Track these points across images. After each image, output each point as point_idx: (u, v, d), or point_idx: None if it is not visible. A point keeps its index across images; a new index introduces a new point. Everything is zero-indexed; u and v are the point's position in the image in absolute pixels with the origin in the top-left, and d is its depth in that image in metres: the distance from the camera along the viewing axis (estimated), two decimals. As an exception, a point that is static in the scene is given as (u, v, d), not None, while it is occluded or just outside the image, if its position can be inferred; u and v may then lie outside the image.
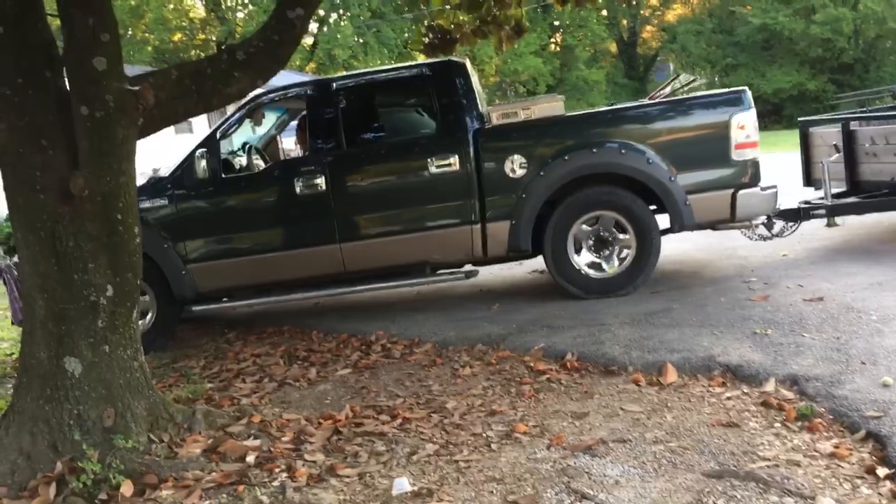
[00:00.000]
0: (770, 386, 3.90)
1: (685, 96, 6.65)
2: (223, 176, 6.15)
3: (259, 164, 6.52)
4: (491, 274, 7.21)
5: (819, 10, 32.45)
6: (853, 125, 7.23)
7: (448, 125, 6.07)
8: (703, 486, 2.96)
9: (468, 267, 6.30)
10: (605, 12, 37.29)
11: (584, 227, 6.02)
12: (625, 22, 39.48)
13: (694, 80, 6.81)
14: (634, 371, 4.35)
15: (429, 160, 5.98)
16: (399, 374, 4.78)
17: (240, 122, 6.33)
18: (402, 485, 3.19)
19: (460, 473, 3.29)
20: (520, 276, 7.34)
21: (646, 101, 6.72)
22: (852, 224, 7.56)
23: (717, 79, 37.33)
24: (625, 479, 3.09)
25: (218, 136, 6.19)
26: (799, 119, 8.34)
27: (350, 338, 5.76)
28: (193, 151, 6.06)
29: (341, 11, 33.55)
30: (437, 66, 6.15)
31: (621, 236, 6.00)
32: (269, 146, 7.19)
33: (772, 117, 32.44)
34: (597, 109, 7.06)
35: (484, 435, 3.70)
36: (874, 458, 3.06)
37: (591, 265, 6.05)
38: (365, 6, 33.25)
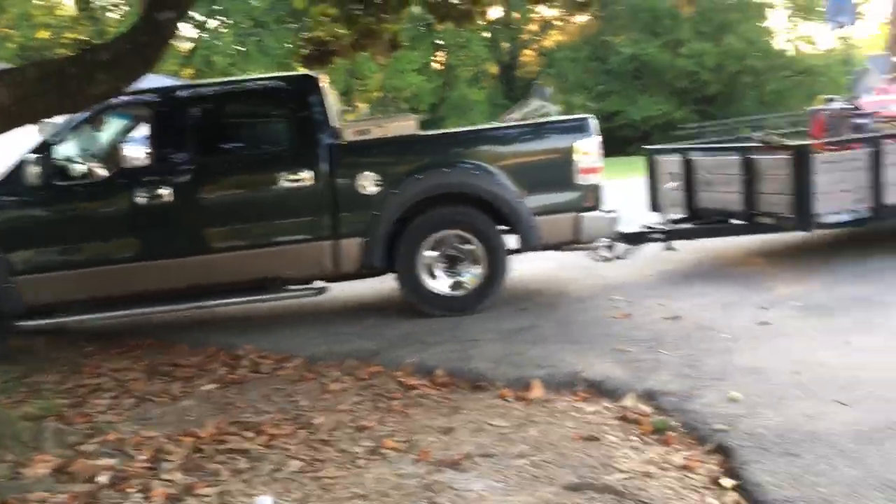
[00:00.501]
0: (629, 400, 4.05)
1: (533, 121, 6.89)
2: (56, 183, 5.85)
3: (99, 172, 6.24)
4: (368, 288, 7.18)
5: (685, 44, 34.31)
6: (691, 155, 7.69)
7: (301, 140, 6.03)
8: (563, 498, 3.03)
9: (318, 283, 6.23)
10: (487, 34, 38.09)
11: (436, 245, 6.06)
12: (505, 45, 40.45)
13: (544, 107, 7.08)
14: (502, 386, 4.42)
15: (281, 174, 5.92)
16: (267, 390, 4.67)
17: (78, 127, 6.05)
18: (264, 503, 3.12)
19: (324, 490, 3.24)
20: (395, 291, 7.33)
21: (497, 124, 6.95)
22: (713, 247, 7.98)
23: (591, 104, 38.82)
24: (488, 492, 3.12)
25: (52, 140, 5.89)
26: (644, 147, 8.79)
27: (218, 352, 5.59)
28: (23, 156, 5.74)
29: (223, 19, 32.80)
30: (291, 79, 6.13)
31: (472, 256, 6.08)
32: (111, 154, 6.83)
33: (640, 143, 33.90)
34: (451, 130, 7.19)
35: (351, 451, 3.66)
36: (721, 469, 3.22)
37: (441, 284, 6.10)
38: (247, 14, 32.62)
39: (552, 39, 39.61)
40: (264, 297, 6.10)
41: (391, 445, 3.68)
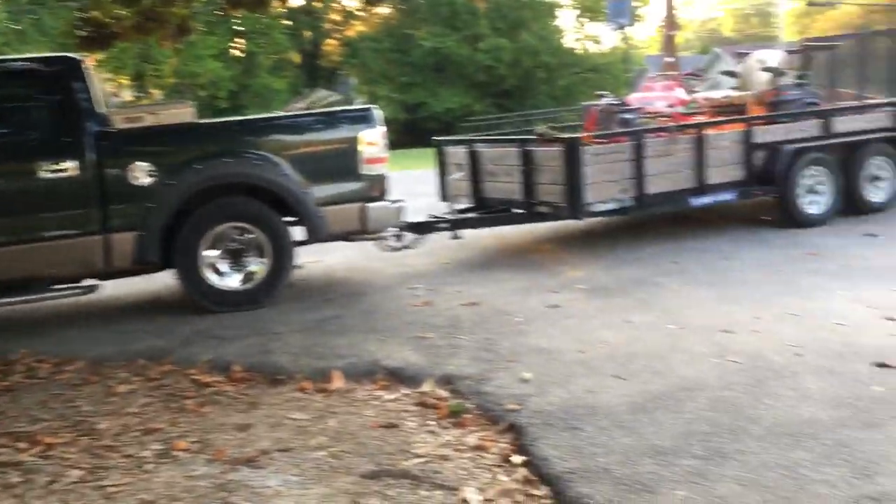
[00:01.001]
0: (427, 386, 4.13)
1: (318, 111, 6.86)
2: None
3: None
4: (161, 284, 6.82)
5: (483, 39, 35.44)
6: (476, 147, 8.00)
7: (63, 127, 5.61)
8: (361, 487, 3.03)
9: (89, 281, 5.86)
10: (289, 22, 37.32)
11: (217, 239, 5.87)
12: (307, 33, 39.85)
13: (330, 96, 7.09)
14: (302, 379, 4.35)
15: (41, 164, 5.48)
16: (44, 396, 4.31)
17: None
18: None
19: (108, 499, 3.04)
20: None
21: (282, 112, 6.87)
22: (508, 235, 8.31)
23: (395, 95, 39.19)
24: (285, 488, 3.06)
25: None
26: (433, 138, 9.03)
27: (-15, 358, 5.09)
28: None
29: (-8, -8, 29.79)
30: (50, 61, 5.69)
31: (256, 247, 5.94)
32: None
33: (442, 135, 34.67)
34: (232, 118, 7.02)
35: (138, 456, 3.46)
36: (512, 447, 3.36)
37: (225, 278, 5.92)
38: (22, -11, 29.85)
39: (355, 29, 39.49)
40: (27, 297, 5.61)
41: (183, 447, 3.52)
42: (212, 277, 5.87)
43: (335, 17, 39.54)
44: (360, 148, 6.12)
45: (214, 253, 5.87)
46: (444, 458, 3.28)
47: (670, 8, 17.79)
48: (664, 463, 3.01)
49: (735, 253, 6.88)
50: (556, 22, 39.64)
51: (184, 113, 6.18)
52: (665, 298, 5.52)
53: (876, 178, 8.28)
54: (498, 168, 7.69)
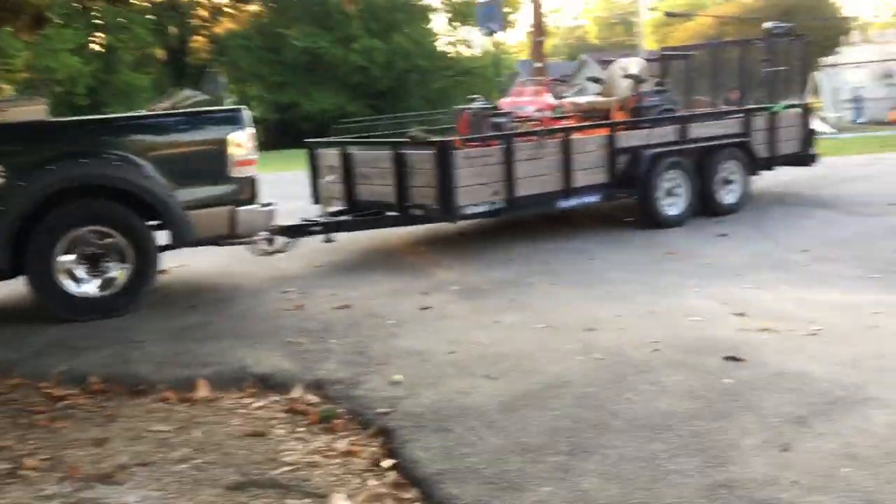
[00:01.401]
0: (297, 392, 4.05)
1: (184, 111, 6.64)
2: None
3: None
4: (9, 290, 6.40)
5: (357, 40, 35.27)
6: (350, 149, 7.98)
7: None
8: (226, 499, 2.94)
9: None
10: (153, 17, 35.87)
11: (74, 243, 5.57)
12: (173, 29, 38.45)
13: (197, 96, 6.87)
14: (165, 389, 4.18)
15: None
16: None
17: None
18: None
19: (-54, 527, 2.82)
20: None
21: (145, 112, 6.62)
22: (382, 237, 8.29)
23: (267, 95, 38.40)
24: (144, 504, 2.93)
25: None
26: (305, 140, 8.94)
27: None
28: None
29: None
30: None
31: (116, 253, 5.68)
32: None
33: (316, 136, 34.24)
34: (90, 117, 6.70)
35: (-19, 477, 3.22)
36: (382, 451, 3.34)
37: (83, 284, 5.63)
38: None
39: (223, 26, 38.41)
40: None
41: (32, 465, 3.30)
42: (68, 284, 5.55)
43: (203, 12, 38.32)
44: (228, 150, 5.95)
45: (71, 258, 5.56)
46: (314, 465, 3.23)
47: (538, 15, 18.23)
48: (531, 460, 3.07)
49: (601, 253, 7.13)
50: (430, 25, 40.00)
51: (35, 110, 5.80)
52: (535, 298, 5.65)
53: (728, 182, 8.79)
54: (371, 171, 7.67)
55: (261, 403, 3.97)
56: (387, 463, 3.20)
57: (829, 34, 43.15)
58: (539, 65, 17.69)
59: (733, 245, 7.20)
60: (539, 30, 18.07)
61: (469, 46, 41.33)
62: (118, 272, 5.68)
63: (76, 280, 5.60)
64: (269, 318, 5.46)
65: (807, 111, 9.77)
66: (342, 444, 3.43)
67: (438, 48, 40.14)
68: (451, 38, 41.73)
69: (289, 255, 7.26)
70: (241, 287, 6.52)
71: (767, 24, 9.72)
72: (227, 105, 6.32)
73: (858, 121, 24.15)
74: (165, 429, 3.67)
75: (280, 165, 17.75)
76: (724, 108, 9.90)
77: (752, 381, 3.71)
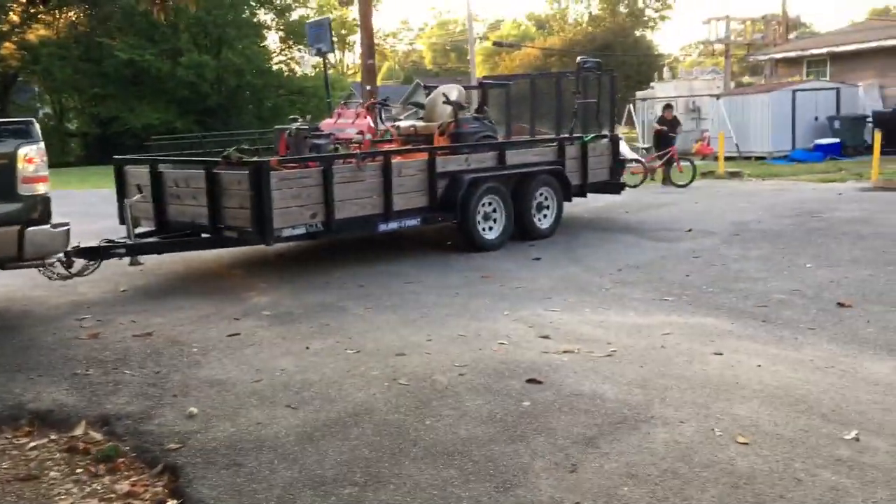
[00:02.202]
0: (80, 429, 3.75)
1: None
2: None
3: None
4: None
5: (185, 54, 34.02)
6: (161, 167, 7.64)
7: None
8: (-21, 555, 2.65)
9: None
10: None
11: None
12: (-21, 33, 35.50)
13: None
14: (-76, 430, 3.76)
15: None
16: None
17: None
18: None
19: None
20: None
21: None
22: (195, 259, 7.94)
23: (85, 108, 36.20)
24: None
25: None
26: (113, 157, 8.49)
27: None
28: None
29: None
30: None
31: None
32: None
33: (140, 153, 32.65)
34: None
35: None
36: (166, 490, 3.14)
37: None
38: None
39: (36, 34, 35.88)
40: None
41: None
42: None
43: (14, 17, 35.63)
44: (17, 165, 5.49)
45: None
46: (89, 509, 2.99)
47: (369, 37, 18.32)
48: (323, 493, 2.98)
49: (418, 276, 7.17)
50: (264, 43, 39.32)
51: None
52: (348, 323, 5.58)
53: (542, 207, 9.13)
54: (183, 190, 7.33)
55: (36, 443, 3.64)
56: (172, 503, 3.01)
57: (642, 69, 46.44)
58: (369, 87, 17.74)
59: (545, 268, 7.46)
60: (370, 52, 18.13)
61: (300, 65, 40.98)
62: None
63: None
64: (57, 347, 5.05)
65: (615, 142, 10.34)
66: (124, 486, 3.19)
67: (273, 67, 39.50)
68: (284, 57, 41.25)
69: (90, 279, 6.82)
70: (30, 314, 6.02)
71: (579, 59, 10.21)
72: (26, 118, 5.82)
73: (667, 152, 25.92)
74: (-81, 476, 3.29)
75: (96, 182, 16.76)
76: (540, 136, 10.31)
77: (548, 403, 3.82)
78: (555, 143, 9.53)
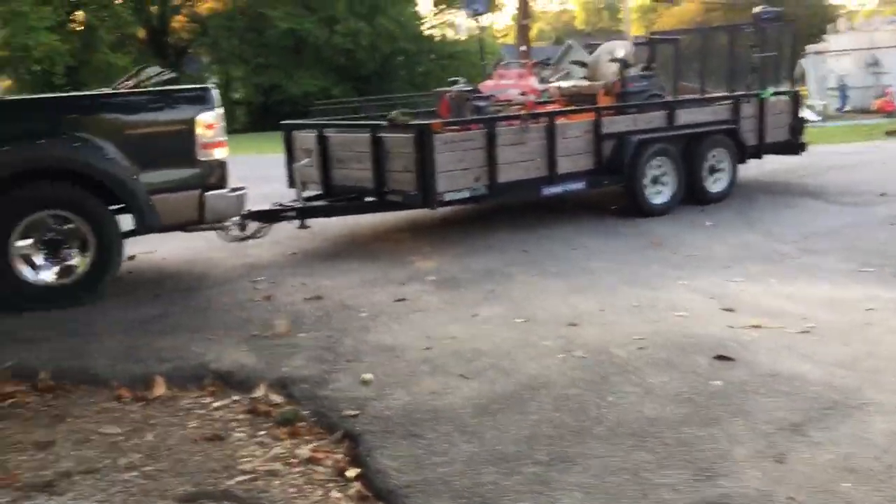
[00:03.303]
0: (260, 391, 3.80)
1: (150, 90, 6.30)
2: None
3: None
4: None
5: (341, 22, 34.77)
6: (326, 132, 7.68)
7: None
8: (173, 514, 2.70)
9: None
10: (132, -5, 35.16)
11: (32, 228, 5.29)
12: (154, 8, 37.75)
13: (163, 74, 6.52)
14: (118, 386, 3.92)
15: None
16: None
17: None
18: None
19: None
20: None
21: (108, 90, 6.30)
22: (359, 223, 8.02)
23: (250, 77, 37.84)
24: (84, 518, 2.68)
25: None
26: (281, 122, 8.61)
27: None
28: None
29: None
30: None
31: (76, 237, 5.41)
32: None
33: (299, 119, 33.80)
34: (47, 95, 6.39)
35: None
36: (347, 458, 3.10)
37: (41, 272, 5.35)
38: None
39: (205, 6, 37.75)
40: None
41: (-33, 472, 3.05)
42: (25, 271, 5.27)
43: (184, -8, 37.66)
44: (196, 131, 5.66)
45: (28, 244, 5.28)
46: (273, 473, 2.99)
47: (524, -2, 17.95)
48: (506, 471, 2.84)
49: (583, 241, 6.90)
50: (416, 8, 39.56)
51: None
52: (514, 290, 5.42)
53: (715, 170, 8.57)
54: (348, 154, 7.38)
55: (220, 403, 3.71)
56: (352, 473, 2.96)
57: (814, 21, 43.13)
58: (524, 49, 17.42)
59: (720, 235, 7.00)
60: (525, 13, 17.78)
61: (454, 29, 40.95)
62: (78, 259, 5.41)
63: (34, 267, 5.33)
64: (234, 309, 5.19)
65: (796, 99, 9.56)
66: (305, 451, 3.18)
67: (424, 31, 39.71)
68: (437, 21, 41.35)
69: (261, 242, 7.00)
70: (208, 276, 6.23)
71: (757, 9, 9.47)
72: (203, 84, 6.00)
73: (843, 109, 24.06)
74: (116, 431, 3.42)
75: (261, 147, 17.42)
76: (709, 94, 9.68)
77: (742, 384, 3.50)
78: (729, 101, 8.90)
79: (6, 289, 5.23)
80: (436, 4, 40.91)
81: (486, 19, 31.39)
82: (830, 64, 25.42)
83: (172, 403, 3.75)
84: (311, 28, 34.21)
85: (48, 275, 5.38)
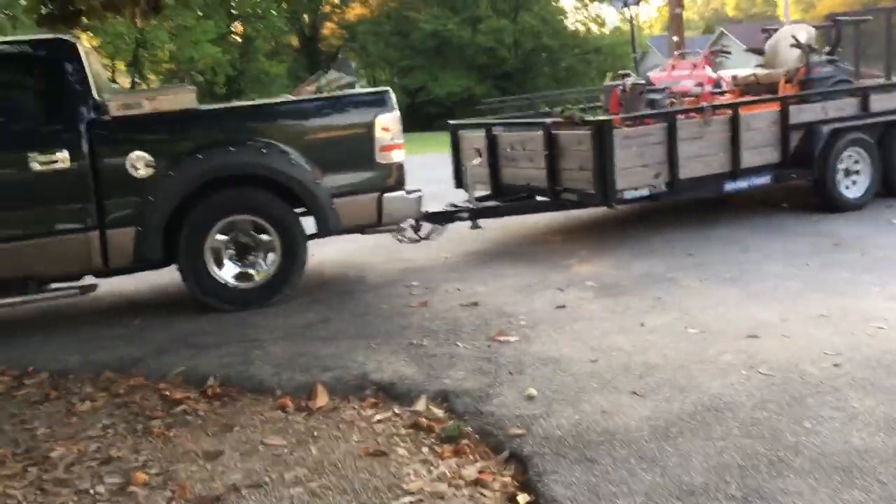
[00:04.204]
0: (421, 404, 3.68)
1: (328, 95, 6.33)
2: None
3: None
4: (141, 281, 6.40)
5: (484, 21, 34.83)
6: (495, 130, 7.49)
7: (55, 114, 5.19)
8: (340, 536, 2.61)
9: (87, 280, 5.47)
10: (286, 5, 36.70)
11: (224, 233, 5.47)
12: (306, 17, 39.24)
13: (342, 79, 6.58)
14: (283, 395, 3.92)
15: (31, 155, 5.05)
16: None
17: None
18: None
19: (47, 553, 2.62)
20: (171, 282, 6.59)
21: (289, 97, 6.39)
22: (509, 224, 7.84)
23: (395, 80, 38.61)
24: (253, 537, 2.64)
25: None
26: (449, 122, 8.51)
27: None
28: None
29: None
30: (40, 43, 5.24)
31: (264, 242, 5.55)
32: None
33: (444, 119, 34.15)
34: (237, 104, 6.57)
35: (92, 491, 3.03)
36: (516, 482, 2.92)
37: (233, 275, 5.53)
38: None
39: (353, 13, 38.86)
40: (22, 299, 5.22)
41: (143, 480, 3.09)
42: (219, 274, 5.46)
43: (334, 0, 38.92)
44: (375, 134, 5.67)
45: (220, 247, 5.47)
46: (439, 495, 2.84)
47: (677, -14, 17.20)
48: (695, 506, 2.57)
49: (756, 243, 6.41)
50: (559, 3, 39.08)
51: (185, 98, 5.68)
52: (683, 297, 5.07)
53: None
54: (519, 153, 7.20)
55: (382, 416, 3.62)
56: (522, 499, 2.77)
57: None
58: (676, 39, 16.67)
59: (913, 235, 6.32)
60: (678, 1, 17.03)
61: (599, 24, 40.08)
62: (267, 262, 5.58)
63: (225, 270, 5.52)
64: (391, 315, 5.13)
65: None
66: (471, 471, 3.02)
67: (567, 26, 39.15)
68: (581, 15, 40.64)
69: (416, 245, 6.94)
70: (364, 279, 6.24)
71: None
72: (370, 88, 6.03)
73: None
74: (281, 442, 3.39)
75: (410, 148, 17.60)
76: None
77: (967, 412, 3.04)
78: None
79: (202, 292, 5.42)
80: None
81: (636, 11, 30.50)
82: None
83: (334, 415, 3.69)
84: (454, 29, 34.48)
85: (240, 278, 5.53)
